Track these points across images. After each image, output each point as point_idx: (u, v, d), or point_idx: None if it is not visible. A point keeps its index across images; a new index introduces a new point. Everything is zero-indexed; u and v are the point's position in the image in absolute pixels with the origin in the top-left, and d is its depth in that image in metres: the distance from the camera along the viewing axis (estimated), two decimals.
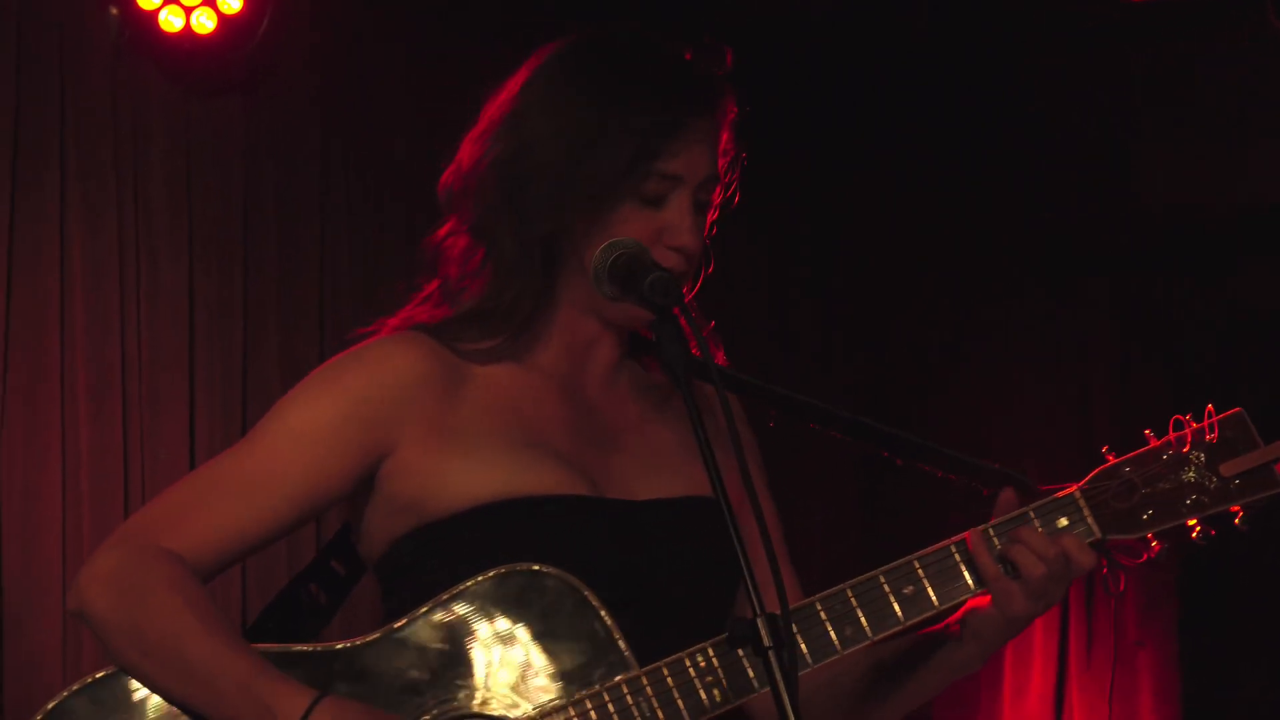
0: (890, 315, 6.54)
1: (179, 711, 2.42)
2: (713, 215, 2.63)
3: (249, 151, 5.54)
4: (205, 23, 5.32)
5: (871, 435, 2.63)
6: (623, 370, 2.67)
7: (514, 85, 2.62)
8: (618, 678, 2.40)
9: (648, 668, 2.40)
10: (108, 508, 5.13)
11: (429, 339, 2.56)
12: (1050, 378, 6.36)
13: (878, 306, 6.50)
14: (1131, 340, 6.26)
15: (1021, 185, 6.36)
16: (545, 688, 2.41)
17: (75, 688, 2.45)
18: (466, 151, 2.61)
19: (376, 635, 2.44)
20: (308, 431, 2.51)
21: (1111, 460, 2.53)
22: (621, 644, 2.41)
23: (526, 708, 2.40)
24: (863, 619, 2.45)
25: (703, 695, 2.40)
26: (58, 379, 5.13)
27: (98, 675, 2.46)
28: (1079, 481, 2.53)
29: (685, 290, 2.63)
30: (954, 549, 2.50)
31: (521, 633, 2.42)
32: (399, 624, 2.44)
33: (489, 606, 2.42)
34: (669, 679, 2.40)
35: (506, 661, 2.42)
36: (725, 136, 2.61)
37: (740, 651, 2.39)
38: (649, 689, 2.39)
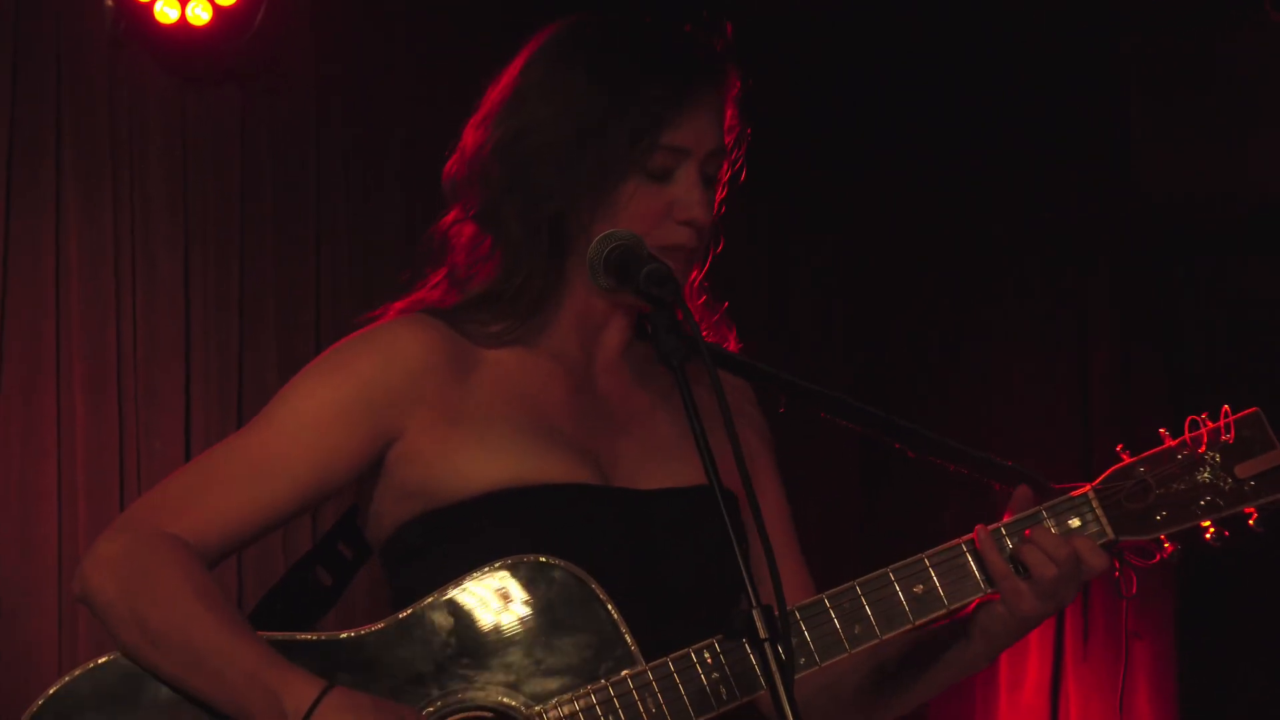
0: (890, 314, 6.51)
1: (182, 697, 2.41)
2: (721, 193, 2.61)
3: (245, 143, 5.52)
4: (200, 14, 5.30)
5: (884, 426, 2.60)
6: (632, 355, 2.65)
7: (514, 69, 2.61)
8: (624, 672, 2.39)
9: (654, 663, 2.39)
10: (103, 500, 5.12)
11: (438, 321, 2.55)
12: (1049, 376, 6.34)
13: (877, 305, 6.48)
14: (1131, 337, 6.24)
15: (1021, 182, 6.34)
16: (551, 680, 2.40)
17: (77, 673, 2.44)
18: (469, 138, 2.60)
19: (382, 625, 2.43)
20: (314, 416, 2.49)
21: (1126, 459, 2.50)
22: (628, 637, 2.40)
23: (531, 700, 2.39)
24: (872, 617, 2.43)
25: (708, 692, 2.39)
26: (53, 371, 5.11)
27: (99, 660, 2.45)
28: (1093, 481, 2.51)
29: (695, 268, 2.64)
30: (965, 547, 2.47)
31: (527, 624, 2.41)
32: (404, 614, 2.43)
33: (495, 597, 2.41)
34: (675, 674, 2.39)
35: (512, 653, 2.41)
36: (730, 110, 2.60)
37: (747, 646, 2.37)
38: (655, 684, 2.38)
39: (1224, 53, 5.84)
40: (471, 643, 2.41)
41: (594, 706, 2.38)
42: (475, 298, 2.56)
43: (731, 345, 2.69)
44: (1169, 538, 2.48)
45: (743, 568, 2.20)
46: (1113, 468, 2.50)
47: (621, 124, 2.50)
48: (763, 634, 2.17)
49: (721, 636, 2.39)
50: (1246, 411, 2.50)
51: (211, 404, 5.37)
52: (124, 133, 5.30)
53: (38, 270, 5.12)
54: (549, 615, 2.40)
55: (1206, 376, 5.88)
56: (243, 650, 2.37)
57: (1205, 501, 2.48)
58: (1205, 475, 2.48)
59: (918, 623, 2.45)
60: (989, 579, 2.46)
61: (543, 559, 2.41)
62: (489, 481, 2.47)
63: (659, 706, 2.37)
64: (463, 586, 2.42)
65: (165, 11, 5.26)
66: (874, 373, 6.34)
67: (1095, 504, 2.49)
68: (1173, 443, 2.50)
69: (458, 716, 2.41)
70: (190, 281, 5.38)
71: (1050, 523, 2.48)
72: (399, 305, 2.60)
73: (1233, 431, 2.48)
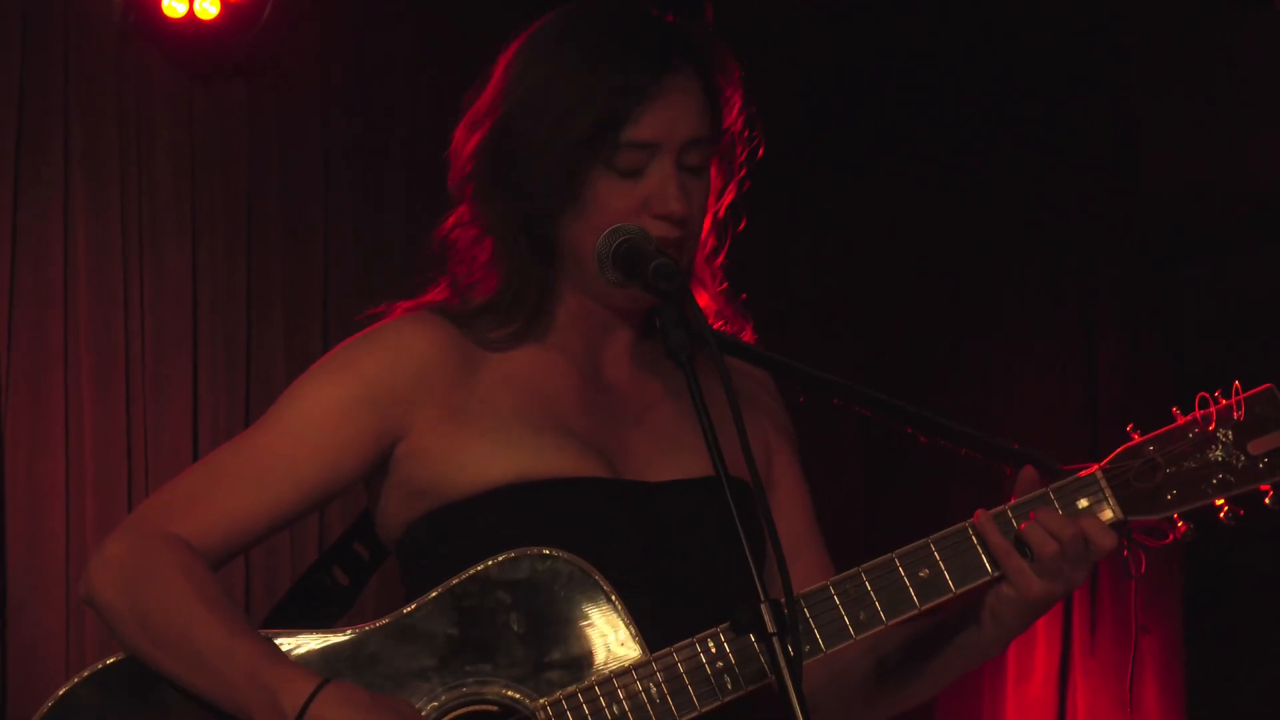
0: (891, 314, 6.50)
1: (188, 697, 2.40)
2: (717, 181, 2.56)
3: (253, 137, 5.52)
4: (208, 8, 5.30)
5: (897, 412, 2.56)
6: (644, 346, 2.61)
7: (496, 69, 2.57)
8: (628, 663, 2.36)
9: (658, 653, 2.36)
10: (111, 493, 5.13)
11: (443, 320, 2.53)
12: (1054, 374, 6.32)
13: (878, 305, 6.46)
14: (1137, 333, 6.22)
15: (1022, 181, 6.32)
16: (555, 673, 2.37)
17: (85, 674, 2.44)
18: (458, 141, 2.57)
19: (386, 620, 2.41)
20: (318, 416, 2.48)
21: (1137, 439, 2.45)
22: (632, 629, 2.37)
23: (536, 694, 2.37)
24: (877, 603, 2.39)
25: (714, 683, 2.36)
26: (61, 364, 5.12)
27: (108, 661, 2.44)
28: (1101, 461, 2.45)
29: (704, 260, 2.61)
30: (970, 530, 2.42)
31: (532, 617, 2.39)
32: (409, 609, 2.41)
33: (499, 591, 2.39)
34: (679, 665, 2.36)
35: (516, 647, 2.39)
36: (711, 94, 2.53)
37: (753, 637, 2.32)
38: (659, 675, 2.36)
39: (1228, 49, 5.82)
40: (475, 637, 2.39)
41: (598, 699, 2.36)
42: (477, 306, 2.54)
43: (748, 336, 2.66)
44: (1181, 516, 2.43)
45: (749, 560, 2.17)
46: (1122, 447, 2.45)
47: (579, 124, 2.46)
48: (770, 628, 2.15)
49: (727, 625, 2.35)
50: (1259, 388, 2.44)
51: (219, 397, 5.38)
52: (132, 127, 5.31)
53: (45, 264, 5.13)
54: (553, 608, 2.38)
55: (1213, 371, 5.84)
56: (241, 648, 2.36)
57: (1218, 480, 2.42)
58: (1218, 453, 2.43)
59: (924, 608, 2.41)
60: (995, 561, 2.41)
61: (546, 551, 2.39)
62: (496, 477, 2.44)
63: (663, 697, 2.35)
64: (466, 580, 2.40)
65: (173, 6, 5.26)
66: (875, 373, 6.33)
67: (1103, 483, 2.44)
68: (1183, 420, 2.45)
69: (462, 710, 2.38)
70: (198, 275, 5.39)
71: (1057, 503, 2.43)
72: (406, 304, 2.57)
73: (1244, 409, 2.43)
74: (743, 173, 2.61)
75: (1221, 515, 2.43)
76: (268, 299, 5.50)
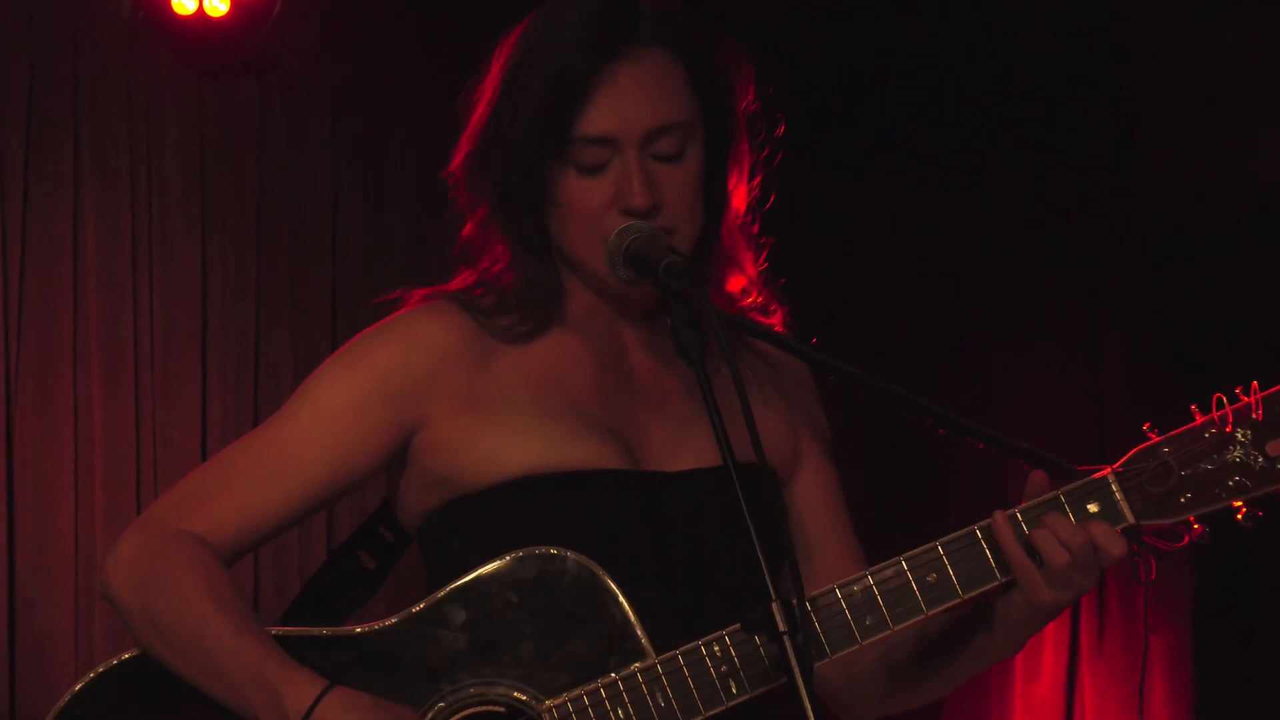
0: (891, 314, 6.48)
1: (200, 695, 2.40)
2: (695, 165, 2.48)
3: (262, 134, 5.51)
4: (218, 5, 5.29)
5: (917, 406, 2.49)
6: (664, 336, 2.53)
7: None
8: (634, 666, 2.35)
9: (663, 656, 2.35)
10: (120, 490, 5.12)
11: (459, 309, 2.52)
12: (1054, 369, 6.32)
13: (878, 305, 6.45)
14: (1138, 329, 6.21)
15: (1024, 180, 6.31)
16: (561, 674, 2.37)
17: (101, 670, 2.45)
18: (460, 143, 2.57)
19: (394, 619, 2.41)
20: (332, 410, 2.47)
21: (1153, 439, 2.39)
22: (638, 630, 2.36)
23: (542, 694, 2.36)
24: (884, 608, 2.36)
25: (718, 686, 2.35)
26: (70, 361, 5.11)
27: (124, 657, 2.45)
28: (1114, 463, 2.40)
29: (738, 236, 2.59)
30: (979, 534, 2.38)
31: (537, 618, 2.38)
32: (416, 608, 2.40)
33: (506, 591, 2.38)
34: (685, 668, 2.35)
35: (522, 647, 2.38)
36: (681, 73, 2.48)
37: (757, 639, 2.33)
38: (664, 678, 2.35)
39: (1231, 47, 5.80)
40: (482, 637, 2.38)
41: (602, 701, 2.34)
42: (494, 299, 2.54)
43: (778, 325, 2.64)
44: (1198, 520, 2.37)
45: (759, 554, 2.16)
46: (1136, 448, 2.40)
47: (527, 124, 2.45)
48: (781, 627, 2.13)
49: (733, 628, 2.35)
50: (1277, 387, 2.37)
51: (228, 395, 5.37)
52: (141, 124, 5.30)
53: (55, 262, 5.12)
54: (559, 608, 2.37)
55: (1219, 370, 5.84)
56: (247, 649, 2.36)
57: (1234, 482, 2.36)
58: (1236, 454, 2.36)
59: (931, 613, 2.37)
60: (1004, 566, 2.37)
61: (553, 551, 2.38)
62: (511, 469, 2.43)
63: (668, 700, 2.34)
64: (473, 580, 2.39)
65: (183, 3, 5.25)
66: (875, 373, 6.28)
67: (1115, 487, 2.38)
68: (1200, 420, 2.38)
69: (468, 711, 2.38)
70: (207, 273, 5.38)
71: (1067, 508, 2.38)
72: (422, 291, 2.57)
73: (1263, 408, 2.36)
74: (743, 145, 2.57)
75: (1239, 517, 2.37)
76: (276, 297, 5.49)
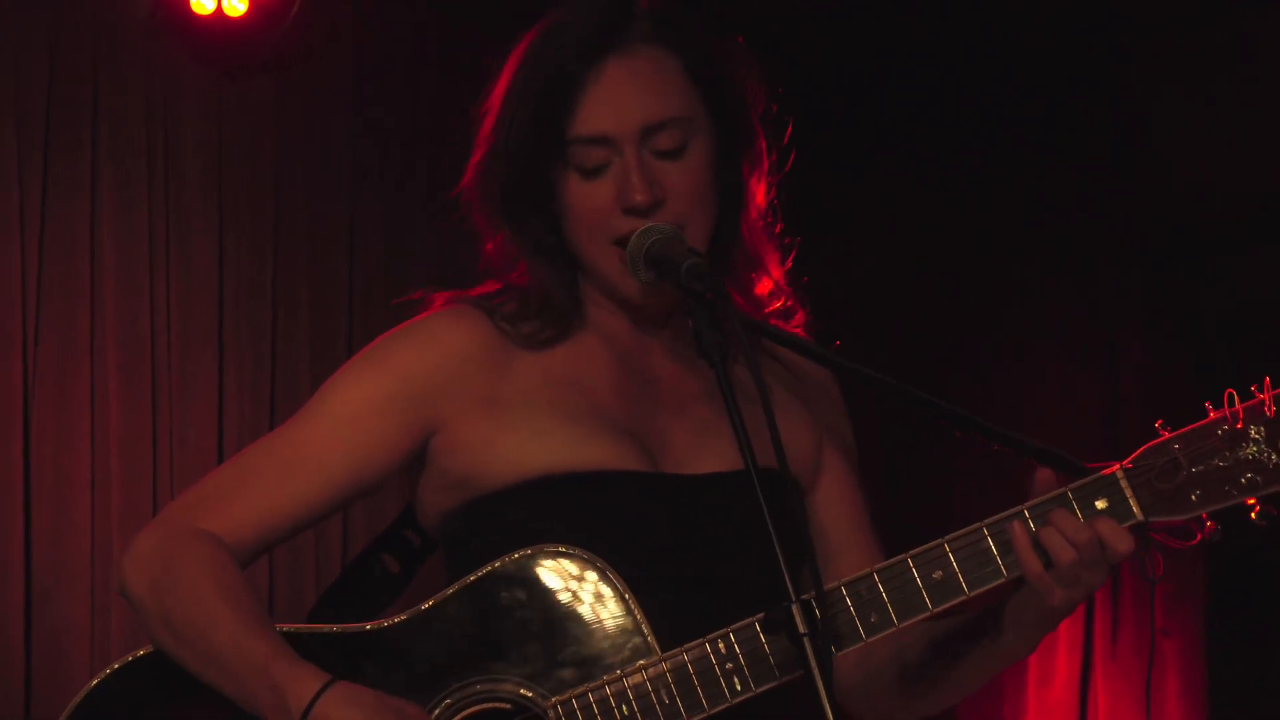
0: (891, 314, 6.45)
1: (213, 692, 2.40)
2: (701, 157, 2.45)
3: (279, 133, 5.51)
4: (237, 5, 5.29)
5: (931, 406, 2.45)
6: (688, 337, 2.48)
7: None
8: (638, 663, 2.34)
9: (669, 653, 2.34)
10: (136, 488, 5.12)
11: (480, 314, 2.51)
12: (1054, 369, 6.29)
13: (878, 305, 6.40)
14: (1140, 330, 6.18)
15: (1027, 176, 6.27)
16: (568, 671, 2.35)
17: (117, 666, 2.45)
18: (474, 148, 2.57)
19: (404, 617, 2.40)
20: (351, 412, 2.47)
21: (1165, 435, 2.34)
22: (645, 627, 2.34)
23: (548, 692, 2.35)
24: (889, 605, 2.33)
25: (723, 684, 2.33)
26: (88, 359, 5.12)
27: (139, 653, 2.45)
28: (1124, 460, 2.36)
29: (758, 237, 2.57)
30: (986, 531, 2.34)
31: (545, 615, 2.37)
32: (426, 605, 2.40)
33: (514, 588, 2.37)
34: (689, 665, 2.33)
35: (529, 644, 2.37)
36: (678, 67, 2.45)
37: (763, 637, 2.31)
38: (669, 676, 2.33)
39: (1240, 44, 5.77)
40: (490, 634, 2.38)
41: (608, 698, 2.34)
42: (515, 304, 2.53)
43: (800, 330, 2.62)
44: (1210, 517, 2.32)
45: (779, 555, 2.13)
46: (1146, 445, 2.35)
47: (530, 131, 2.44)
48: (802, 629, 2.12)
49: (738, 626, 2.33)
50: None
51: (245, 393, 5.37)
52: (159, 123, 5.30)
53: (73, 260, 5.13)
54: (567, 605, 2.36)
55: (1231, 371, 5.79)
56: (253, 645, 2.35)
57: (1246, 479, 2.30)
58: (1249, 451, 2.31)
59: (936, 610, 2.34)
60: (1011, 564, 2.33)
61: (562, 548, 2.37)
62: (529, 470, 2.42)
63: (672, 698, 2.33)
64: (482, 577, 2.38)
65: (202, 3, 5.25)
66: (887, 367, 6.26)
67: (1124, 484, 2.34)
68: (1213, 416, 2.33)
69: (475, 709, 2.38)
70: (224, 271, 5.38)
71: (1075, 504, 2.34)
72: (445, 295, 2.56)
73: (1276, 405, 2.30)
74: (759, 142, 2.55)
75: (1253, 515, 2.32)
76: (293, 295, 5.49)
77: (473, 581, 2.38)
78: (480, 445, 2.45)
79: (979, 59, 6.13)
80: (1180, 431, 2.34)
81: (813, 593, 2.16)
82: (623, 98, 2.42)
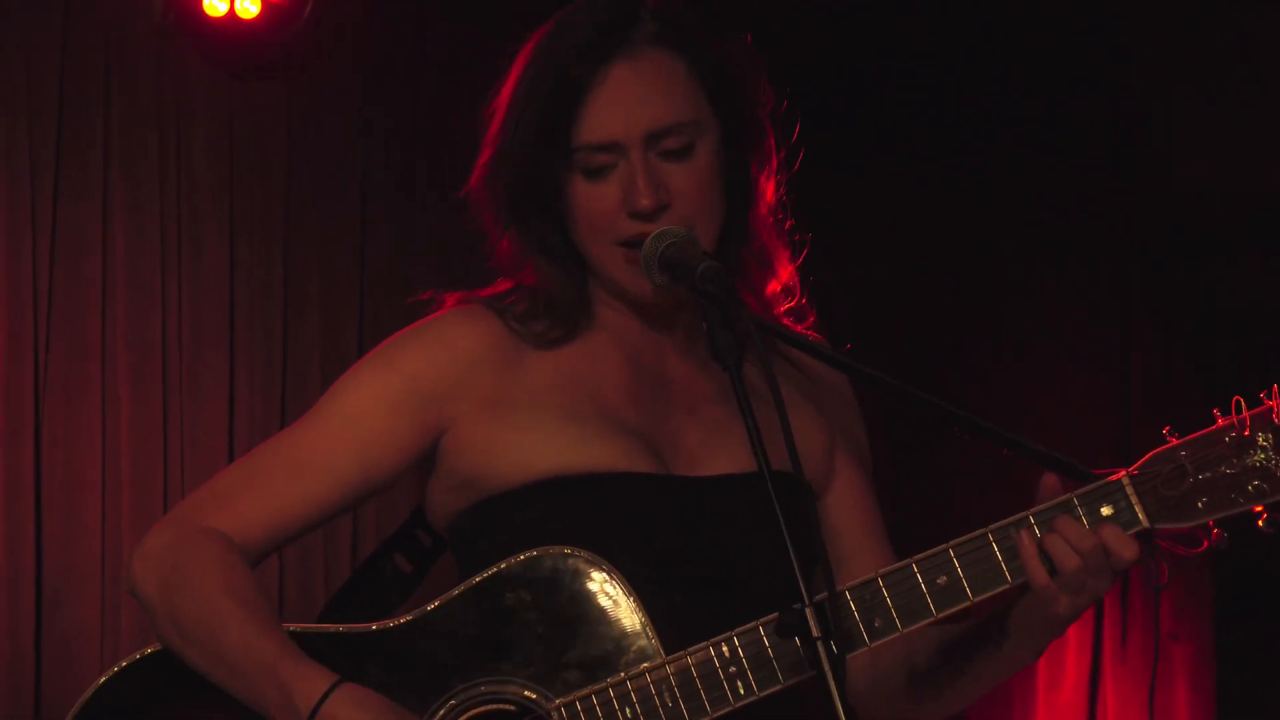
0: (891, 314, 6.43)
1: (220, 691, 2.38)
2: (706, 158, 2.42)
3: (291, 135, 5.50)
4: (249, 7, 5.27)
5: (940, 410, 2.40)
6: (701, 339, 2.47)
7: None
8: (642, 666, 2.31)
9: (672, 656, 2.31)
10: (147, 489, 5.12)
11: (491, 314, 2.49)
12: (1054, 369, 6.26)
13: (878, 305, 6.39)
14: (1156, 328, 6.15)
15: (1028, 176, 6.25)
16: (573, 673, 2.33)
17: (124, 665, 2.44)
18: (481, 149, 2.54)
19: (410, 617, 2.39)
20: (360, 411, 2.45)
21: (1173, 442, 2.31)
22: (649, 629, 2.32)
23: (553, 693, 2.33)
24: (893, 610, 2.30)
25: (726, 687, 2.30)
26: (99, 361, 5.12)
27: (146, 652, 2.44)
28: (1130, 466, 2.31)
29: (768, 239, 2.55)
30: (991, 537, 2.31)
31: (550, 616, 2.34)
32: (432, 605, 2.38)
33: (519, 589, 2.35)
34: (693, 668, 2.31)
35: (533, 646, 2.34)
36: (683, 69, 2.42)
37: (766, 641, 2.29)
38: (672, 678, 2.31)
39: (1247, 44, 5.73)
40: (495, 635, 2.36)
41: (611, 700, 2.31)
42: (526, 304, 2.51)
43: (811, 332, 2.59)
44: (1217, 524, 2.28)
45: (792, 557, 2.11)
46: (1153, 451, 2.31)
47: (536, 134, 2.41)
48: (815, 631, 2.09)
49: (742, 629, 2.30)
50: None
51: (255, 393, 5.37)
52: (171, 125, 5.30)
53: (84, 261, 5.13)
54: (572, 607, 2.34)
55: (1231, 371, 5.77)
56: (261, 644, 2.34)
57: (1253, 487, 2.27)
58: (1258, 458, 2.27)
59: (940, 615, 2.31)
60: (1016, 570, 2.30)
61: (567, 550, 2.34)
62: (537, 471, 2.40)
63: (675, 701, 2.30)
64: (488, 578, 2.36)
65: (214, 4, 5.24)
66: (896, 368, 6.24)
67: (1129, 490, 2.30)
68: (1221, 423, 2.30)
69: (480, 710, 2.35)
70: (235, 273, 5.37)
71: (1081, 511, 2.30)
72: (456, 296, 2.54)
73: None
74: (767, 141, 2.52)
75: (1260, 523, 2.29)
76: (304, 296, 5.48)
77: (478, 582, 2.36)
78: (489, 446, 2.43)
79: (979, 59, 6.10)
80: (1187, 438, 2.31)
81: (825, 594, 2.14)
82: (628, 102, 2.40)
